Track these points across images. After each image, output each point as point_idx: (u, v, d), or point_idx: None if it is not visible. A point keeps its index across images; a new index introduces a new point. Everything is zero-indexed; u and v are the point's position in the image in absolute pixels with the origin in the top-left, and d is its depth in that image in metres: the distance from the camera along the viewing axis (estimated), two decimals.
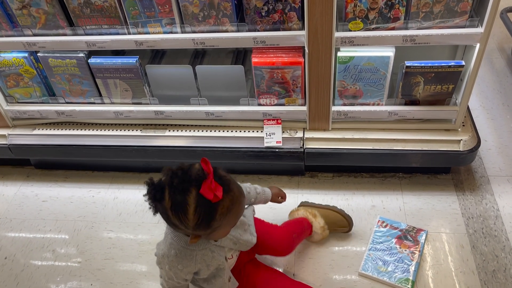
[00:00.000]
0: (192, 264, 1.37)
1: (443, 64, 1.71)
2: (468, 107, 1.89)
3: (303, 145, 1.94)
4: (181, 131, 2.03)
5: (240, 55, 2.04)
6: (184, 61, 2.03)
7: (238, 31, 1.71)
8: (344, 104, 1.89)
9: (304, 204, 1.92)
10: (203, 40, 1.72)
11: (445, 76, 1.73)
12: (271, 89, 1.87)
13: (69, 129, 2.10)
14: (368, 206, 1.98)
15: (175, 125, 2.05)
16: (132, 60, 1.85)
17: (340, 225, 1.85)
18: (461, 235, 1.84)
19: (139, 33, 1.77)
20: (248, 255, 1.63)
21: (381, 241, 1.82)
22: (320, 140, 1.94)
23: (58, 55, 1.88)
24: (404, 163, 1.94)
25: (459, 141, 1.87)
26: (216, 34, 1.72)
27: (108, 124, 2.09)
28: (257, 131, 1.97)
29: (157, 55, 2.07)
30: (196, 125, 2.04)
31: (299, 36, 1.68)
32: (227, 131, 2.00)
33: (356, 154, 1.92)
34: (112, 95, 1.99)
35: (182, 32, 1.74)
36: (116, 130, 2.07)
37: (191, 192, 1.16)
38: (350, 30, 1.65)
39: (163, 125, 2.06)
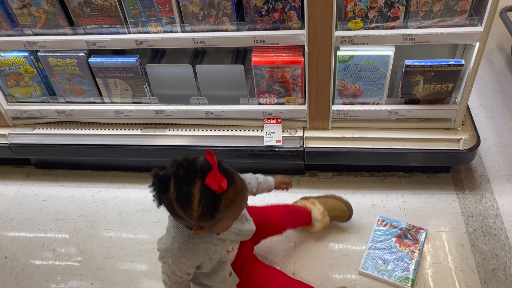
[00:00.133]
0: (195, 257, 1.38)
1: (442, 63, 1.71)
2: (467, 106, 1.90)
3: (303, 144, 1.94)
4: (181, 130, 2.03)
5: (240, 55, 2.04)
6: (184, 60, 2.03)
7: (238, 30, 1.72)
8: (344, 103, 1.89)
9: (303, 198, 1.92)
10: (203, 39, 1.73)
11: (444, 75, 1.74)
12: (271, 88, 1.87)
13: (69, 129, 2.11)
14: (368, 205, 1.98)
15: (175, 124, 2.05)
16: (132, 60, 1.85)
17: (340, 210, 1.85)
18: (461, 233, 1.85)
19: (139, 33, 1.77)
20: (247, 248, 1.64)
21: (381, 240, 1.82)
22: (320, 139, 1.94)
23: (58, 54, 1.88)
24: (404, 162, 1.94)
25: (458, 140, 1.87)
26: (216, 33, 1.72)
27: (108, 124, 2.10)
28: (257, 130, 1.98)
29: (157, 55, 2.07)
30: (196, 124, 2.04)
31: (299, 35, 1.68)
32: (227, 130, 2.00)
33: (356, 153, 1.92)
34: (112, 94, 1.99)
35: (182, 31, 1.75)
36: (116, 129, 2.07)
37: (196, 183, 1.18)
38: (350, 29, 1.66)
39: (163, 124, 2.06)
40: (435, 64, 1.71)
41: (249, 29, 1.71)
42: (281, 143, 1.93)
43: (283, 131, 1.96)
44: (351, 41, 1.66)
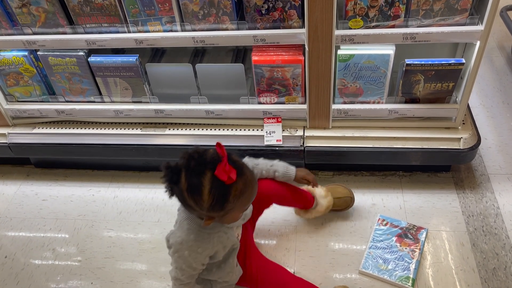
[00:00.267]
0: (210, 246, 1.42)
1: (443, 62, 1.70)
2: (468, 105, 1.89)
3: (303, 143, 1.94)
4: (181, 129, 2.03)
5: (240, 54, 2.04)
6: (184, 59, 2.03)
7: (238, 29, 1.71)
8: (344, 102, 1.89)
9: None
10: (203, 38, 1.72)
11: (445, 74, 1.73)
12: (271, 87, 1.87)
13: (69, 128, 2.10)
14: (368, 204, 1.98)
15: (175, 123, 2.05)
16: (132, 59, 1.85)
17: (342, 193, 1.88)
18: (462, 233, 1.84)
19: (139, 32, 1.77)
20: (248, 232, 1.67)
21: (381, 239, 1.82)
22: (320, 138, 1.94)
23: (58, 53, 1.88)
24: (404, 161, 1.94)
25: (459, 139, 1.87)
26: (216, 32, 1.72)
27: (108, 123, 2.09)
28: (257, 130, 1.97)
29: (157, 54, 2.07)
30: (196, 124, 2.03)
31: (299, 34, 1.68)
32: (227, 129, 2.00)
33: (356, 152, 1.92)
34: (112, 93, 1.98)
35: (182, 31, 1.74)
36: (116, 128, 2.07)
37: (206, 174, 1.21)
38: (350, 28, 1.65)
39: (163, 123, 2.06)
40: (436, 63, 1.71)
41: (249, 28, 1.71)
42: (281, 142, 1.93)
43: (283, 130, 1.95)
44: (351, 40, 1.66)
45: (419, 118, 1.90)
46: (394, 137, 1.90)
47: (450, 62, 1.70)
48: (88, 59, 1.88)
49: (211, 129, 2.01)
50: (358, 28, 1.65)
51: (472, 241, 1.81)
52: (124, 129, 2.06)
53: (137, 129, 2.06)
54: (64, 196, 2.18)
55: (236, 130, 1.99)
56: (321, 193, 1.83)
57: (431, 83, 1.77)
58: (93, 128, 2.08)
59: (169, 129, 2.03)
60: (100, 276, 1.84)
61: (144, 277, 1.82)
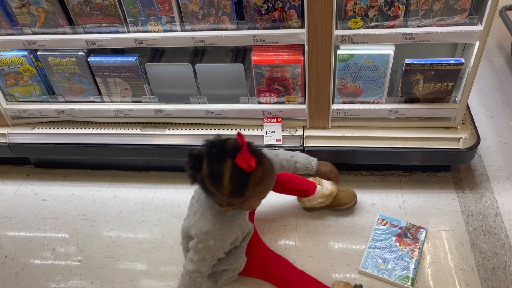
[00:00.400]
0: (233, 233, 1.49)
1: (442, 62, 1.71)
2: (467, 105, 1.90)
3: (303, 143, 1.94)
4: (181, 129, 2.03)
5: (240, 54, 2.04)
6: (183, 59, 2.03)
7: (238, 29, 1.71)
8: (344, 102, 1.89)
9: None
10: (203, 38, 1.72)
11: (444, 74, 1.74)
12: (271, 87, 1.87)
13: (69, 128, 2.10)
14: (368, 204, 1.98)
15: (175, 123, 2.05)
16: (132, 59, 1.85)
17: (345, 190, 1.91)
18: (461, 232, 1.85)
19: (139, 32, 1.77)
20: (250, 217, 1.71)
21: (381, 239, 1.82)
22: (320, 138, 1.94)
23: (57, 53, 1.88)
24: (404, 161, 1.94)
25: (458, 139, 1.87)
26: (216, 32, 1.72)
27: (107, 123, 2.09)
28: (257, 129, 1.97)
29: (157, 54, 2.07)
30: (196, 124, 2.03)
31: (299, 34, 1.68)
32: (227, 129, 2.00)
33: (355, 152, 1.92)
34: (112, 93, 1.99)
35: (182, 31, 1.74)
36: (116, 128, 2.07)
37: (226, 162, 1.26)
38: (349, 28, 1.65)
39: (163, 123, 2.06)
40: (435, 63, 1.71)
41: (249, 28, 1.71)
42: (281, 142, 1.93)
43: (283, 130, 1.96)
44: (351, 40, 1.66)
45: (419, 118, 1.90)
46: (394, 137, 1.90)
47: (449, 62, 1.70)
48: (88, 59, 1.88)
49: (211, 129, 2.01)
50: (357, 28, 1.65)
51: (472, 241, 1.81)
52: (124, 129, 2.06)
53: (137, 129, 2.06)
54: (64, 196, 2.18)
55: (236, 130, 1.99)
56: (326, 181, 1.87)
57: (431, 83, 1.77)
58: (93, 128, 2.08)
59: (169, 129, 2.04)
60: (100, 276, 1.84)
61: (144, 276, 1.82)
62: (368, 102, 1.88)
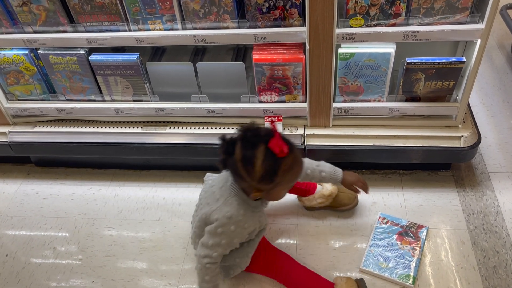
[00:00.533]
0: (253, 223, 1.53)
1: (444, 61, 1.71)
2: (468, 104, 1.90)
3: (304, 142, 1.94)
4: (182, 128, 2.03)
5: (240, 52, 2.04)
6: (184, 58, 2.03)
7: (239, 27, 1.71)
8: (345, 101, 1.89)
9: None
10: (204, 36, 1.72)
11: (446, 72, 1.74)
12: (271, 86, 1.87)
13: (70, 127, 2.10)
14: (369, 203, 1.98)
15: (176, 122, 2.05)
16: (132, 57, 1.85)
17: (345, 191, 1.90)
18: (462, 231, 1.85)
19: (140, 30, 1.77)
20: None
21: (382, 238, 1.82)
22: (321, 137, 1.94)
23: (58, 52, 1.88)
24: (405, 159, 1.94)
25: (459, 137, 1.87)
26: (217, 31, 1.72)
27: (108, 122, 2.09)
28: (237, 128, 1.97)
29: (157, 53, 2.07)
30: (196, 122, 2.03)
31: (300, 32, 1.68)
32: (228, 128, 2.00)
33: (356, 151, 1.92)
34: (113, 92, 1.98)
35: (183, 29, 1.74)
36: (117, 127, 2.07)
37: (259, 147, 1.32)
38: (351, 27, 1.65)
39: (164, 122, 2.06)
40: (436, 61, 1.71)
41: (250, 27, 1.71)
42: None
43: (284, 128, 1.95)
44: (352, 38, 1.66)
45: (420, 117, 1.90)
46: (395, 136, 1.90)
47: (450, 60, 1.70)
48: (89, 58, 1.88)
49: (211, 128, 2.01)
50: (359, 27, 1.65)
51: (473, 239, 1.82)
52: (125, 127, 2.06)
53: (137, 127, 2.06)
54: (65, 195, 2.18)
55: (237, 128, 1.98)
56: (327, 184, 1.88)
57: (432, 81, 1.77)
58: (93, 127, 2.08)
59: (170, 128, 2.03)
60: (101, 275, 1.84)
61: (145, 275, 1.82)
62: (369, 101, 1.88)
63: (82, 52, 1.86)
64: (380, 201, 1.98)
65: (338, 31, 1.64)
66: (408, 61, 1.72)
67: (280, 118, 1.95)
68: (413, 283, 1.68)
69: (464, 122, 1.91)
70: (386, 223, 1.87)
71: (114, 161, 2.24)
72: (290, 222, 1.94)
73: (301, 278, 1.66)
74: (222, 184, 1.53)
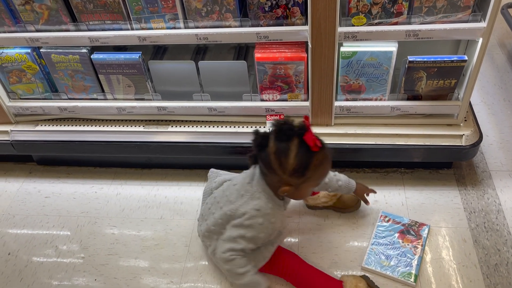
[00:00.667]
0: (278, 221, 1.55)
1: (445, 59, 1.71)
2: (470, 102, 1.90)
3: None
4: (184, 126, 2.03)
5: (242, 51, 2.04)
6: (186, 57, 2.03)
7: (241, 26, 1.72)
8: (347, 99, 1.90)
9: None
10: (206, 35, 1.73)
11: (447, 71, 1.74)
12: (273, 84, 1.87)
13: (72, 125, 2.11)
14: (370, 201, 1.97)
15: (178, 120, 2.05)
16: (135, 56, 1.85)
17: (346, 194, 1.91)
18: (463, 229, 1.85)
19: (142, 29, 1.77)
20: None
21: (383, 236, 1.82)
22: (323, 135, 1.90)
23: (61, 51, 1.88)
24: (406, 158, 1.95)
25: (461, 136, 1.87)
26: (219, 30, 1.72)
27: (110, 120, 2.10)
28: (260, 127, 1.98)
29: (159, 51, 2.07)
30: (198, 121, 2.04)
31: (302, 31, 1.68)
32: (230, 126, 2.00)
33: (358, 149, 1.92)
34: (115, 91, 1.99)
35: (185, 28, 1.75)
36: (119, 126, 2.07)
37: (294, 140, 1.36)
38: (353, 25, 1.66)
39: (166, 120, 2.06)
40: (438, 60, 1.71)
41: (252, 25, 1.71)
42: None
43: None
44: (354, 37, 1.66)
45: (421, 115, 1.90)
46: (396, 134, 1.90)
47: (452, 59, 1.71)
48: (91, 56, 1.88)
49: (213, 126, 2.01)
50: (361, 25, 1.65)
51: (474, 238, 1.82)
52: (127, 126, 2.07)
53: (139, 126, 2.06)
54: (67, 193, 2.19)
55: (238, 127, 1.99)
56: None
57: (434, 80, 1.77)
58: (95, 125, 2.09)
59: (172, 126, 2.04)
60: (103, 273, 1.84)
61: (147, 273, 1.82)
62: (371, 99, 1.88)
63: (84, 50, 1.87)
64: (382, 200, 1.99)
65: (340, 29, 1.65)
66: (410, 59, 1.72)
67: (282, 116, 1.95)
68: (415, 281, 1.68)
69: (465, 120, 1.91)
70: (388, 221, 1.87)
71: (116, 159, 2.24)
72: (292, 220, 1.94)
73: (309, 276, 1.66)
74: (248, 181, 1.55)
